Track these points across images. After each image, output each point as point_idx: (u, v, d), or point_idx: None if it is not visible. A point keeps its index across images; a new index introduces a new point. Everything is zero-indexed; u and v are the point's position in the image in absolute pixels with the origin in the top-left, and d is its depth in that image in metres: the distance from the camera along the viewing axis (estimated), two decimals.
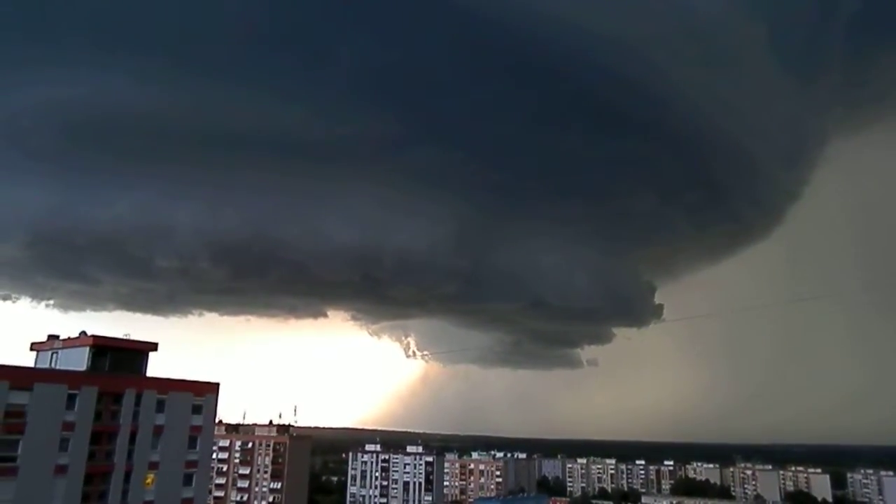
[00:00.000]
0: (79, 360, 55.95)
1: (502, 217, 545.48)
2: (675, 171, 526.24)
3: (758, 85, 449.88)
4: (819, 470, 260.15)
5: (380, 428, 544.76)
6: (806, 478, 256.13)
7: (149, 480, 56.07)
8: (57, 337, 60.38)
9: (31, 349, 61.90)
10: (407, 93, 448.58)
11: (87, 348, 56.07)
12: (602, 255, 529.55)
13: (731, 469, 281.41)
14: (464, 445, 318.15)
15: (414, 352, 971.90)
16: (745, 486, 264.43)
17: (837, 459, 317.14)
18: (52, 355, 59.34)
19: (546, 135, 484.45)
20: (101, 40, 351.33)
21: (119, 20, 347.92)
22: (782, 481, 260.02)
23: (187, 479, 59.24)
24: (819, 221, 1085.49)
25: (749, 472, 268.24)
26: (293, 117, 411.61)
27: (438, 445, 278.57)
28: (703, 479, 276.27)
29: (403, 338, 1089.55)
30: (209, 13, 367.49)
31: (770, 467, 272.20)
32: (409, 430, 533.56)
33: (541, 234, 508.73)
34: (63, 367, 56.76)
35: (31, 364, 60.07)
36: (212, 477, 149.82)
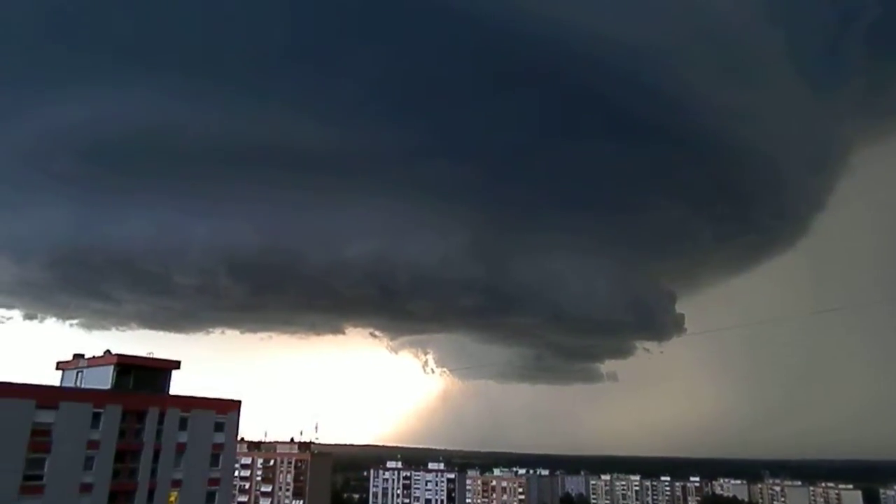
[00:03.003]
0: (103, 379, 56.60)
1: (521, 229, 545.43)
2: (697, 181, 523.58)
3: (779, 93, 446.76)
4: (850, 486, 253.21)
5: (401, 445, 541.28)
6: (837, 494, 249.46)
7: (172, 498, 56.37)
8: (82, 356, 61.12)
9: (57, 368, 62.72)
10: (420, 105, 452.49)
11: (112, 367, 56.71)
12: (623, 268, 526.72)
13: (759, 485, 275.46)
14: (485, 462, 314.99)
15: (432, 369, 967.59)
16: (774, 502, 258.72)
17: (869, 475, 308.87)
18: (77, 374, 60.07)
19: (565, 145, 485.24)
20: (120, 59, 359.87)
21: (137, 39, 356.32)
22: (812, 498, 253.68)
23: (210, 497, 59.47)
24: (844, 231, 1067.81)
25: (777, 489, 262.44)
26: (309, 132, 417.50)
27: (460, 462, 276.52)
28: (731, 495, 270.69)
29: (422, 354, 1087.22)
30: (225, 30, 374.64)
31: (799, 483, 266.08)
32: (430, 446, 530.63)
33: (560, 247, 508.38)
34: (88, 386, 57.47)
35: (57, 383, 60.94)
36: (234, 494, 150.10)
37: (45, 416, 49.25)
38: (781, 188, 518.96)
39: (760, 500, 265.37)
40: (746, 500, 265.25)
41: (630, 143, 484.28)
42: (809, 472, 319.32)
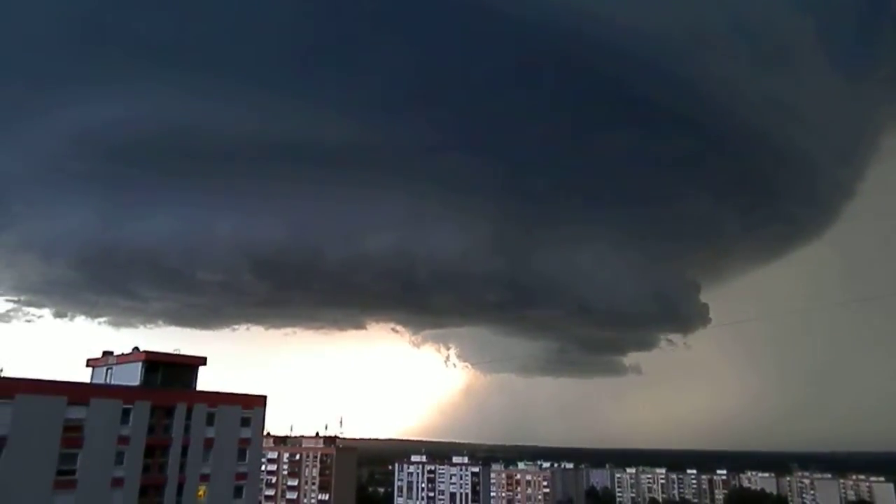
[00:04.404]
0: (132, 376, 57.53)
1: (544, 222, 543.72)
2: (725, 171, 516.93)
3: (809, 82, 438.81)
4: (882, 478, 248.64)
5: (425, 439, 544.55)
6: (868, 486, 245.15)
7: (201, 492, 57.17)
8: (111, 353, 62.15)
9: (87, 365, 63.93)
10: (443, 100, 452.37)
11: (140, 363, 57.59)
12: (648, 259, 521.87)
13: (788, 478, 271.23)
14: (509, 455, 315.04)
15: (454, 364, 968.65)
16: (804, 495, 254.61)
17: None
18: (106, 371, 61.18)
19: (589, 137, 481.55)
20: (144, 60, 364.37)
21: (162, 40, 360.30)
22: (843, 490, 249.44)
23: (237, 491, 60.22)
24: (873, 218, 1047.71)
25: (807, 481, 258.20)
26: (331, 128, 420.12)
27: (484, 456, 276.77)
28: (759, 488, 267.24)
29: (444, 349, 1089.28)
30: (248, 30, 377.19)
31: (829, 476, 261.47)
32: (454, 440, 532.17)
33: (584, 239, 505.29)
34: (117, 383, 58.46)
35: (87, 380, 62.11)
36: (261, 489, 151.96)
37: (77, 413, 50.17)
38: (811, 176, 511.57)
39: (789, 494, 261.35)
40: (775, 493, 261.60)
41: (656, 134, 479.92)
42: (839, 464, 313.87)
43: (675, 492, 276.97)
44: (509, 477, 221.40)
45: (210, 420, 59.17)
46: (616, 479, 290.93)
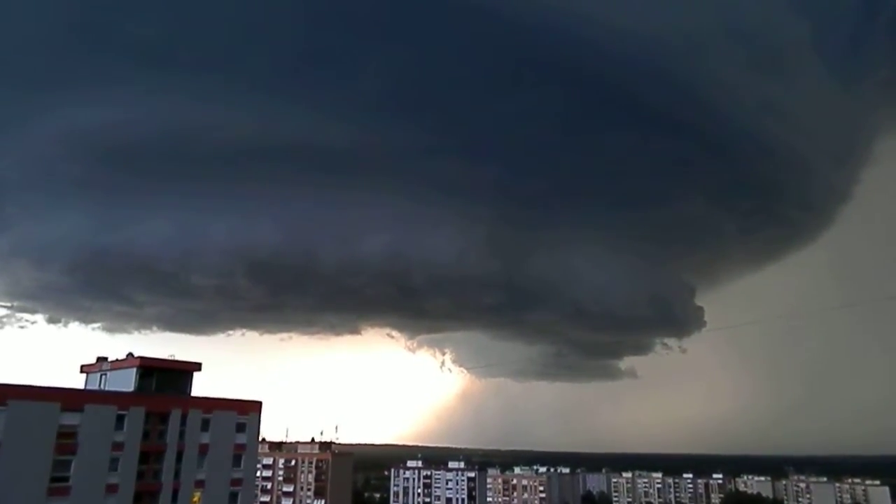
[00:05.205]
0: (126, 381, 57.29)
1: (540, 225, 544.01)
2: (720, 174, 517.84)
3: (804, 85, 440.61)
4: (878, 482, 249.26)
5: (421, 444, 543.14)
6: (864, 490, 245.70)
7: (195, 499, 56.91)
8: (105, 359, 61.93)
9: (81, 371, 63.61)
10: (437, 102, 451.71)
11: (134, 369, 57.38)
12: (644, 263, 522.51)
13: (784, 482, 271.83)
14: (505, 460, 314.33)
15: (449, 369, 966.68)
16: (800, 499, 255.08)
17: None
18: (100, 377, 60.88)
19: (584, 140, 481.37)
20: (138, 62, 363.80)
21: (156, 42, 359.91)
22: (838, 494, 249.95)
23: (233, 497, 59.95)
24: (869, 222, 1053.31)
25: (803, 485, 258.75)
26: (326, 131, 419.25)
27: (480, 461, 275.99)
28: (755, 492, 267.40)
29: (440, 353, 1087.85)
30: (242, 32, 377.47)
31: (825, 479, 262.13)
32: (450, 445, 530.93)
33: (580, 242, 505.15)
34: (112, 389, 58.19)
35: (81, 386, 61.77)
36: (256, 494, 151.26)
37: (71, 419, 50.00)
38: (806, 180, 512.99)
39: (785, 497, 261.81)
40: (771, 497, 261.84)
41: (652, 137, 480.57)
42: (835, 467, 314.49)
43: (672, 496, 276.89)
44: (505, 482, 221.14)
45: (205, 426, 58.92)
46: (612, 484, 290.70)
